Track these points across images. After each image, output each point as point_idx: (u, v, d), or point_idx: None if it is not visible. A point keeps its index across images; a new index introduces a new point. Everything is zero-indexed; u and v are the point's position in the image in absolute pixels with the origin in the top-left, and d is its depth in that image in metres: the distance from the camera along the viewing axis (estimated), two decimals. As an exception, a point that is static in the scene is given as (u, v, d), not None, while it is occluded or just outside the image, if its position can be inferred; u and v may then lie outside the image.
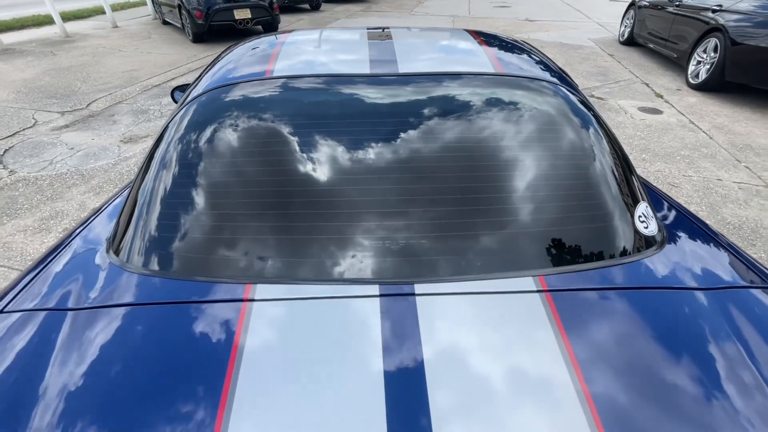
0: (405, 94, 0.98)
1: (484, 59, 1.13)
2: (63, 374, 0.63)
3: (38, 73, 5.63)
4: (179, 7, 7.32)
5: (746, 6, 4.37)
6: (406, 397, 0.58)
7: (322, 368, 0.62)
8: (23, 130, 3.92)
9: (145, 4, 10.71)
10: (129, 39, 7.70)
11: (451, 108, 0.96)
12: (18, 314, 0.74)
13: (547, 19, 10.01)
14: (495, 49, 1.22)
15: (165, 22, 8.89)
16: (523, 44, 1.37)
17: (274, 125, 0.93)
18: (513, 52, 1.22)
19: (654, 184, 0.99)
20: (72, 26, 8.58)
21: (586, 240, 0.82)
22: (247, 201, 0.84)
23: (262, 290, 0.74)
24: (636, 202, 0.90)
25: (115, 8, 10.23)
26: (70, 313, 0.73)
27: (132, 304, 0.73)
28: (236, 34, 7.95)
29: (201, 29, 7.09)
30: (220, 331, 0.67)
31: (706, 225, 1.02)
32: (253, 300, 0.71)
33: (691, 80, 5.06)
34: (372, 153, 0.88)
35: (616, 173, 0.92)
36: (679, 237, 0.92)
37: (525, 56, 1.20)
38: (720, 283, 0.79)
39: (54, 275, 0.83)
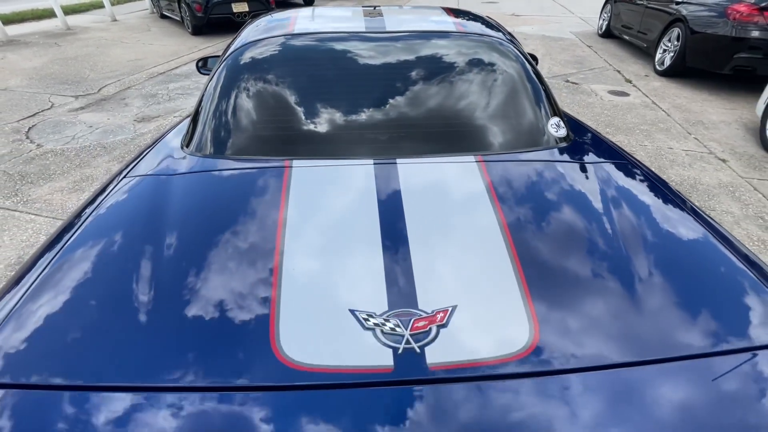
0: (390, 42, 1.39)
1: (450, 24, 1.53)
2: (173, 207, 1.00)
3: (46, 62, 5.91)
4: (179, 0, 7.62)
5: (704, -2, 4.82)
6: (390, 210, 0.96)
7: (339, 199, 1.00)
8: (42, 111, 4.23)
9: (141, -2, 10.95)
10: (129, 31, 7.96)
11: (422, 50, 1.37)
12: (139, 177, 1.12)
13: (532, 14, 10.45)
14: (459, 18, 1.63)
15: (163, 16, 9.16)
16: (481, 16, 1.77)
17: (298, 57, 1.34)
18: (471, 20, 1.63)
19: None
20: (72, 20, 8.79)
21: (510, 135, 1.23)
22: (283, 106, 1.24)
23: (297, 162, 1.12)
24: (550, 116, 1.31)
25: (113, 2, 10.43)
26: (169, 176, 1.10)
27: (206, 171, 1.11)
28: (234, 26, 8.25)
29: (200, 22, 7.39)
30: (275, 181, 1.05)
31: (610, 141, 1.42)
32: (291, 167, 1.09)
33: (657, 67, 5.51)
34: (365, 78, 1.29)
35: (535, 96, 1.33)
36: (583, 143, 1.32)
37: (479, 23, 1.61)
38: (595, 159, 1.20)
39: (152, 159, 1.22)
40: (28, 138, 3.62)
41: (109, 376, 0.61)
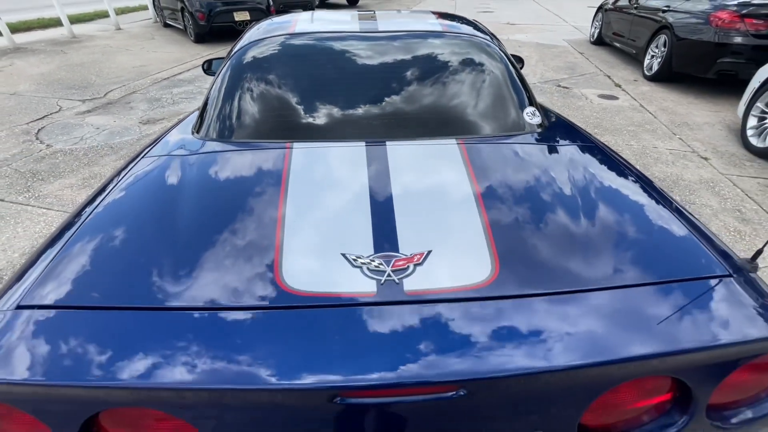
0: (381, 40, 1.53)
1: (437, 25, 1.68)
2: (191, 177, 1.12)
3: (53, 68, 6.08)
4: (182, 9, 7.83)
5: (688, 6, 5.01)
6: (378, 176, 1.08)
7: (335, 174, 1.12)
8: (50, 114, 4.37)
9: (145, 8, 11.20)
10: (133, 40, 8.17)
11: (410, 47, 1.51)
12: (157, 157, 1.25)
13: (526, 23, 10.70)
14: (445, 20, 1.77)
15: (166, 25, 9.38)
16: (467, 19, 1.92)
17: (298, 53, 1.48)
18: (457, 22, 1.78)
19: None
20: (77, 28, 9.00)
21: (489, 121, 1.37)
22: (284, 96, 1.38)
23: (297, 144, 1.25)
24: (525, 105, 1.45)
25: (117, 12, 10.67)
26: (185, 156, 1.23)
27: (217, 152, 1.24)
28: (235, 34, 8.44)
29: (203, 30, 7.60)
30: (278, 159, 1.17)
31: (583, 130, 1.55)
32: (291, 152, 1.22)
33: (646, 72, 5.69)
34: (358, 71, 1.43)
35: (512, 88, 1.47)
36: (556, 130, 1.45)
37: (464, 24, 1.76)
38: (564, 140, 1.34)
39: (167, 143, 1.36)
40: (38, 139, 3.76)
41: (149, 300, 0.74)
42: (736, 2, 4.43)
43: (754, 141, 3.52)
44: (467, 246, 0.85)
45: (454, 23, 1.74)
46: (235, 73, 1.45)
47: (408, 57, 1.49)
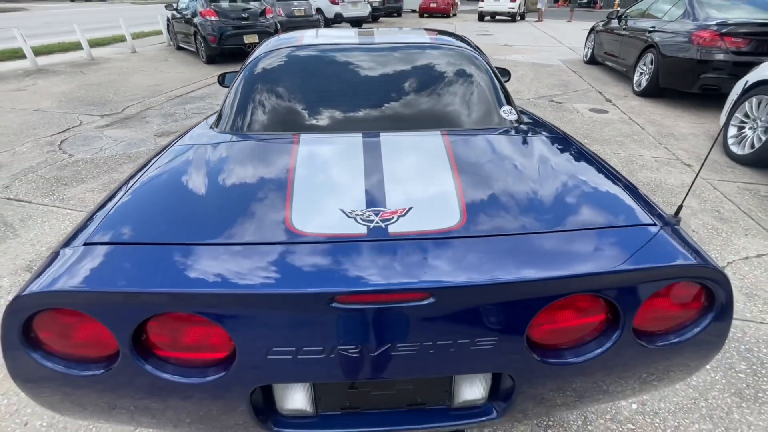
0: (377, 50, 1.76)
1: (427, 38, 1.91)
2: (215, 164, 1.32)
3: (73, 87, 6.45)
4: (195, 33, 8.30)
5: (671, 26, 5.31)
6: (372, 153, 1.28)
7: (335, 153, 1.32)
8: (72, 128, 4.66)
9: (159, 33, 11.79)
10: (148, 61, 8.62)
11: (403, 55, 1.74)
12: (182, 146, 1.46)
13: (523, 44, 11.15)
14: (435, 34, 2.02)
15: (179, 48, 9.88)
16: (455, 34, 2.16)
17: (304, 61, 1.71)
18: (446, 36, 2.02)
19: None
20: (95, 52, 9.50)
21: (470, 117, 1.57)
22: (292, 97, 1.60)
23: (304, 135, 1.46)
24: (503, 104, 1.66)
25: (133, 37, 11.24)
26: (209, 144, 1.44)
27: (233, 141, 1.45)
28: (244, 56, 8.88)
29: (214, 52, 8.03)
30: (287, 143, 1.38)
31: (558, 128, 1.76)
32: (299, 137, 1.43)
33: (635, 88, 5.96)
34: (357, 75, 1.65)
35: (492, 91, 1.68)
36: (530, 125, 1.66)
37: (452, 38, 1.99)
38: (535, 131, 1.54)
39: (190, 136, 1.57)
40: (60, 149, 4.02)
41: (189, 237, 0.93)
42: (716, 22, 4.71)
43: (734, 149, 3.71)
44: (442, 203, 1.04)
45: (443, 37, 1.98)
46: (250, 79, 1.68)
47: (400, 63, 1.72)
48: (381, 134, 1.44)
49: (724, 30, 4.61)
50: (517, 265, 0.84)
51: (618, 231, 0.95)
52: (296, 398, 0.97)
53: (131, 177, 1.23)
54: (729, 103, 3.83)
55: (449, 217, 0.97)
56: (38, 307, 0.82)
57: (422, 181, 1.14)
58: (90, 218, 1.03)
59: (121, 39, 11.07)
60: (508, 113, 1.62)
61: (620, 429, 1.49)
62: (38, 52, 9.05)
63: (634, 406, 1.57)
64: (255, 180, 1.16)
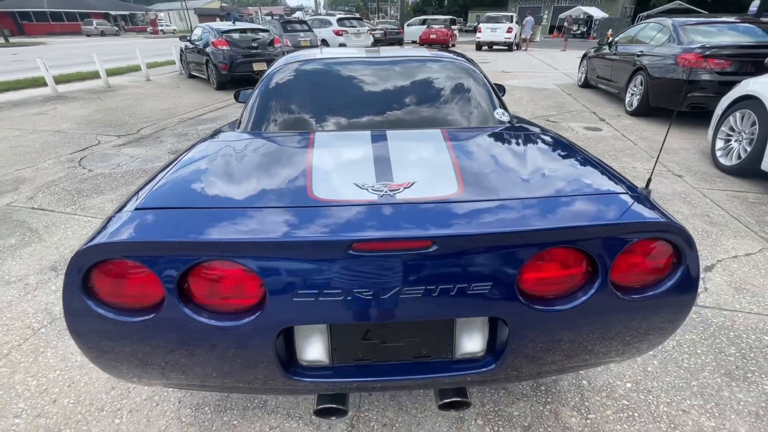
0: (383, 63, 1.98)
1: (426, 52, 2.13)
2: (241, 156, 1.49)
3: (91, 111, 6.78)
4: (207, 62, 8.75)
5: (658, 50, 5.62)
6: (379, 141, 1.45)
7: (347, 151, 1.48)
8: (90, 147, 4.91)
9: (172, 63, 12.38)
10: (162, 88, 9.04)
11: (406, 66, 1.95)
12: (215, 140, 1.64)
13: (521, 71, 11.61)
14: (434, 50, 2.24)
15: (191, 76, 10.37)
16: (454, 50, 2.39)
17: (318, 72, 1.91)
18: (444, 51, 2.24)
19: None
20: (111, 80, 9.98)
21: (465, 117, 1.75)
22: (307, 102, 1.79)
23: (319, 132, 1.64)
24: (497, 108, 1.84)
25: (147, 66, 11.80)
26: (233, 140, 1.61)
27: (256, 136, 1.63)
28: (253, 82, 9.33)
29: (225, 78, 8.44)
30: (305, 136, 1.56)
31: (549, 129, 1.93)
32: (315, 133, 1.61)
33: (627, 108, 6.22)
34: (366, 83, 1.85)
35: (487, 96, 1.87)
36: (522, 126, 1.83)
37: (450, 53, 2.22)
38: (525, 130, 1.71)
39: (220, 135, 1.75)
40: (80, 165, 4.24)
41: (226, 203, 1.09)
42: (699, 45, 5.01)
43: (722, 160, 3.88)
44: (442, 178, 1.19)
45: (442, 52, 2.20)
46: (268, 88, 1.88)
47: (404, 73, 1.93)
48: (387, 132, 1.62)
49: (707, 52, 4.89)
50: (507, 221, 0.98)
51: (595, 197, 1.09)
52: (315, 350, 1.08)
53: (167, 164, 1.40)
54: (715, 117, 4.03)
55: (448, 187, 1.13)
56: (97, 259, 0.96)
57: (423, 163, 1.30)
58: (136, 193, 1.18)
59: (136, 68, 11.63)
60: (501, 115, 1.81)
61: (615, 405, 1.57)
62: (57, 80, 9.50)
63: (629, 384, 1.66)
64: (278, 163, 1.33)
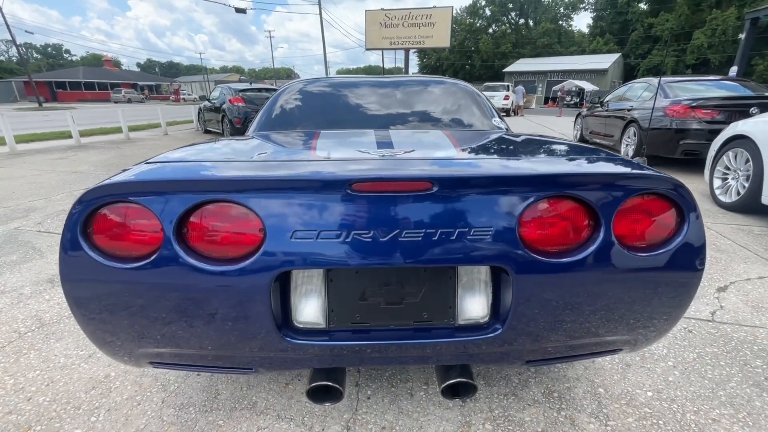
0: (388, 85, 2.14)
1: (426, 78, 2.31)
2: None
3: (109, 157, 7.11)
4: (222, 117, 9.37)
5: (648, 104, 5.96)
6: (381, 132, 1.51)
7: (353, 146, 1.55)
8: (103, 184, 5.08)
9: (189, 122, 13.24)
10: (178, 141, 9.55)
11: (409, 86, 2.11)
12: (225, 139, 1.72)
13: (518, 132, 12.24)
14: (430, 75, 2.43)
15: (206, 131, 11.01)
16: (447, 77, 2.58)
17: (327, 92, 2.06)
18: (444, 78, 2.43)
19: None
20: (132, 134, 10.61)
21: (465, 124, 1.84)
22: (314, 114, 1.90)
23: (324, 131, 1.72)
24: (494, 117, 1.94)
25: (166, 124, 12.59)
26: (248, 139, 1.69)
27: (266, 138, 1.70)
28: (264, 138, 9.86)
29: (237, 132, 8.96)
30: (311, 135, 1.63)
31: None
32: (320, 131, 1.69)
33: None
34: (372, 101, 1.99)
35: (484, 109, 1.99)
36: (519, 133, 1.91)
37: (449, 78, 2.39)
38: (523, 134, 1.78)
39: (242, 138, 1.84)
40: (92, 198, 4.35)
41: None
42: (686, 97, 5.32)
43: (722, 198, 3.92)
44: (440, 146, 1.24)
45: (442, 77, 2.38)
46: (274, 104, 2.05)
47: (408, 92, 2.08)
48: (390, 129, 1.71)
49: (694, 104, 5.18)
50: (505, 167, 0.99)
51: (593, 158, 1.12)
52: (311, 310, 1.04)
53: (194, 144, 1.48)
54: (709, 159, 4.16)
55: (446, 151, 1.17)
56: (102, 200, 0.96)
57: (422, 140, 1.37)
58: (149, 158, 1.22)
59: (156, 125, 12.40)
60: (498, 122, 1.90)
61: (637, 413, 1.44)
62: (82, 134, 10.11)
63: (650, 393, 1.53)
64: (284, 149, 1.40)
